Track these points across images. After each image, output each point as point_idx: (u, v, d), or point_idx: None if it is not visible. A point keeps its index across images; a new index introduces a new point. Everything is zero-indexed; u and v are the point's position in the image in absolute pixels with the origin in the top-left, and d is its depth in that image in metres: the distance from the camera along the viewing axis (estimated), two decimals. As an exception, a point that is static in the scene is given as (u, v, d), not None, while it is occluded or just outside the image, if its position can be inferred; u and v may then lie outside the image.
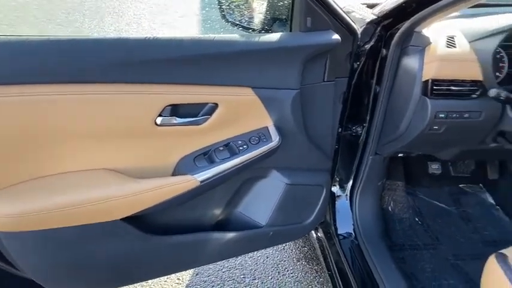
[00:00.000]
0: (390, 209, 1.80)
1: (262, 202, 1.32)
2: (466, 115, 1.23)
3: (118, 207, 1.05)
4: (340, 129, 1.44)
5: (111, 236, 1.12)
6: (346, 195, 1.60)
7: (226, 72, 1.10)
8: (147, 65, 0.99)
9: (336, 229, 1.56)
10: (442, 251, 1.63)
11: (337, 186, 1.62)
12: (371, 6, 1.43)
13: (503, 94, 1.14)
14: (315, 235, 1.68)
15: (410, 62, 1.25)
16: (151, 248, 1.19)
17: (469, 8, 1.14)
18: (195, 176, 1.09)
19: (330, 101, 1.28)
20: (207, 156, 1.13)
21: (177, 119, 1.06)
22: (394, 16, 1.24)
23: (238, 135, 1.17)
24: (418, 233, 1.72)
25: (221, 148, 1.14)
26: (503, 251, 1.14)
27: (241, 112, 1.14)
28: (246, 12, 1.29)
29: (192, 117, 1.08)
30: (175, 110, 1.06)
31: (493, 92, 1.14)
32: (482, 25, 1.28)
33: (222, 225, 1.32)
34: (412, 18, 1.19)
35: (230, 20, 1.30)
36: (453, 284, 1.47)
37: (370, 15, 1.33)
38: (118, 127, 1.01)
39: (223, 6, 1.34)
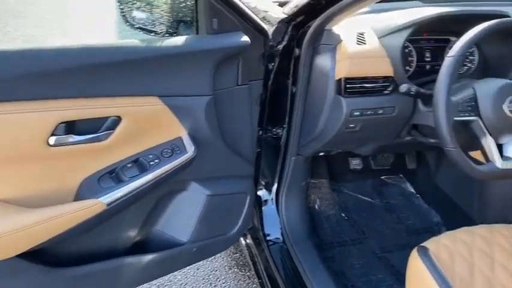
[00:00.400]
0: (317, 207, 1.79)
1: (182, 217, 1.24)
2: (380, 111, 1.23)
3: (11, 243, 0.92)
4: (260, 132, 1.40)
5: (7, 276, 0.98)
6: (272, 198, 1.56)
7: (129, 82, 1.00)
8: (33, 79, 0.86)
9: (264, 234, 1.51)
10: (369, 245, 1.65)
11: (263, 190, 1.58)
12: (282, 4, 1.39)
13: (414, 89, 1.15)
14: (244, 242, 1.63)
15: (322, 61, 1.23)
16: (57, 283, 1.06)
17: (378, 2, 1.14)
18: (100, 199, 0.98)
19: (247, 105, 1.23)
20: (113, 175, 1.03)
21: (74, 137, 0.95)
22: (304, 14, 1.21)
23: (148, 149, 1.07)
24: (345, 229, 1.73)
25: (129, 165, 1.04)
26: (425, 243, 1.15)
27: (150, 124, 1.05)
28: (149, 14, 1.20)
29: (92, 133, 0.97)
30: (72, 127, 0.94)
31: (403, 88, 1.15)
32: (390, 20, 1.29)
33: (139, 247, 1.21)
34: (322, 15, 1.16)
35: (132, 23, 1.19)
36: (381, 279, 1.49)
37: (281, 14, 1.30)
38: (3, 151, 0.88)
39: (124, 8, 1.23)
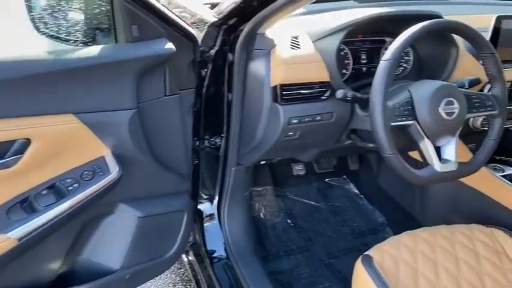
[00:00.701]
0: (262, 216, 1.74)
1: (112, 242, 1.13)
2: (319, 118, 1.19)
3: None
4: (197, 142, 1.32)
5: None
6: (214, 212, 1.48)
7: (38, 99, 0.88)
8: None
9: (206, 251, 1.43)
10: (316, 252, 1.61)
11: (205, 204, 1.50)
12: (214, 6, 1.32)
13: (350, 94, 1.11)
14: (186, 259, 1.54)
15: (256, 66, 1.17)
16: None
17: (313, 3, 1.09)
18: (9, 234, 0.86)
19: (177, 116, 1.14)
20: (25, 204, 0.91)
21: (-27, 165, 0.82)
22: (235, 17, 1.14)
23: (65, 172, 0.96)
24: (292, 236, 1.69)
25: (44, 192, 0.93)
26: (369, 252, 1.12)
27: (66, 144, 0.94)
28: (63, 21, 1.07)
29: (-4, 160, 0.85)
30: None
31: (339, 94, 1.11)
32: (324, 23, 1.24)
33: (65, 280, 1.09)
34: (253, 19, 1.10)
35: (44, 31, 1.06)
36: (329, 287, 1.45)
37: (212, 17, 1.22)
38: None
39: (34, 14, 1.10)
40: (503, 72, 1.12)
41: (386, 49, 1.08)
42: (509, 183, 1.32)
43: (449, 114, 1.05)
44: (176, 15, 1.06)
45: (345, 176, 1.98)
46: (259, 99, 1.18)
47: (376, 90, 0.99)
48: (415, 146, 1.10)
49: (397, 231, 1.75)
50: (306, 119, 1.17)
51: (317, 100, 1.18)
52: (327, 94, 1.18)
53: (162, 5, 1.01)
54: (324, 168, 1.92)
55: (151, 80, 1.04)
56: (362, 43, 1.34)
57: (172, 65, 1.06)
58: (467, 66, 1.29)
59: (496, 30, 1.30)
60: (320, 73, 1.15)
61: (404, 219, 1.71)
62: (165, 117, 1.11)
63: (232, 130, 1.30)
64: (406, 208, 1.70)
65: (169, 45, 1.00)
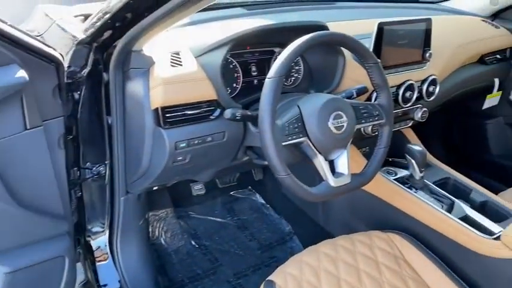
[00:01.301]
0: (163, 242, 1.62)
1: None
2: (209, 139, 1.10)
3: None
4: (78, 173, 1.16)
5: None
6: (106, 246, 1.33)
7: None
8: None
9: (100, 291, 1.28)
10: (223, 273, 1.54)
11: (96, 239, 1.34)
12: (87, 17, 1.17)
13: (239, 113, 1.04)
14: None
15: (134, 88, 1.05)
16: None
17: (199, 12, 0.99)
18: None
19: (43, 150, 0.98)
20: None
21: None
22: (104, 34, 1.01)
23: None
24: (197, 259, 1.59)
25: None
26: (271, 277, 1.07)
27: None
28: None
29: None
30: None
31: (228, 113, 1.04)
32: (208, 36, 1.16)
33: None
34: (126, 35, 0.98)
35: None
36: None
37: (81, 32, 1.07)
38: None
39: None
40: (387, 81, 1.13)
41: (276, 59, 1.04)
42: (402, 186, 1.35)
43: (338, 128, 1.03)
44: (31, 36, 0.91)
45: (250, 187, 1.93)
46: (141, 123, 1.06)
47: (263, 111, 0.93)
48: (309, 162, 1.07)
49: (304, 240, 1.76)
50: (196, 142, 1.08)
51: (206, 120, 1.09)
52: (216, 113, 1.10)
53: (10, 25, 0.85)
54: (227, 182, 1.85)
55: (5, 114, 0.88)
56: (251, 54, 1.28)
57: (31, 93, 0.91)
58: (354, 74, 1.29)
59: (379, 37, 1.31)
60: (206, 91, 1.07)
61: (309, 227, 1.70)
62: (27, 153, 0.94)
63: (116, 157, 1.17)
64: (310, 215, 1.69)
65: (21, 73, 0.84)
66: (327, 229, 1.60)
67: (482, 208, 1.30)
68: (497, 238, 1.14)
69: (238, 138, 1.17)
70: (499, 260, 1.10)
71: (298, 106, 1.04)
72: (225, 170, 1.33)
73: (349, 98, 1.22)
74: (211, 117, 1.10)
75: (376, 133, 1.22)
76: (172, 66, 1.04)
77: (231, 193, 1.89)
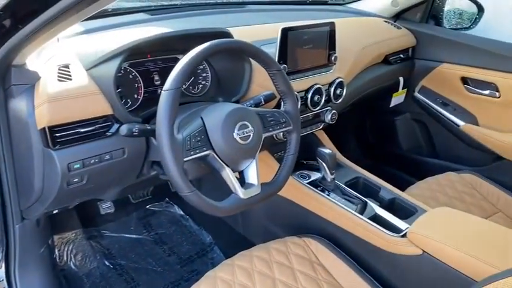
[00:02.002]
0: (73, 266, 1.50)
1: None
2: (108, 157, 1.02)
3: None
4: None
5: None
6: (3, 279, 1.20)
7: None
8: None
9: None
10: (141, 295, 1.46)
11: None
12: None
13: (136, 129, 0.97)
14: None
15: (18, 106, 0.94)
16: None
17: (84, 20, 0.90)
18: None
19: None
20: None
21: None
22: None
23: None
24: (112, 281, 1.49)
25: None
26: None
27: None
28: None
29: None
30: None
31: (124, 130, 0.96)
32: (104, 45, 1.07)
33: None
34: (2, 47, 0.87)
35: None
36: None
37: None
38: None
39: None
40: (292, 88, 1.12)
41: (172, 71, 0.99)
42: (315, 189, 1.36)
43: (244, 138, 1.00)
44: None
45: (167, 199, 1.85)
46: (28, 145, 0.96)
47: (160, 126, 0.88)
48: (217, 175, 1.03)
49: (225, 249, 1.72)
50: (92, 161, 1.00)
51: (103, 137, 1.01)
52: (114, 129, 1.02)
53: None
54: (140, 196, 1.76)
55: None
56: (153, 63, 1.21)
57: None
58: (263, 80, 1.27)
59: (284, 42, 1.30)
60: (99, 106, 0.99)
61: (230, 236, 1.66)
62: None
63: (5, 181, 1.05)
64: (230, 224, 1.66)
65: None
66: (247, 237, 1.57)
67: (391, 206, 1.35)
68: (404, 235, 1.18)
69: (141, 153, 1.10)
70: (407, 256, 1.14)
71: (202, 118, 0.99)
72: (132, 186, 1.25)
73: (258, 105, 1.20)
74: (108, 133, 1.02)
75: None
76: (60, 81, 0.95)
77: (147, 207, 1.80)
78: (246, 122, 1.01)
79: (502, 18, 2.10)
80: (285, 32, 1.30)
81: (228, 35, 1.21)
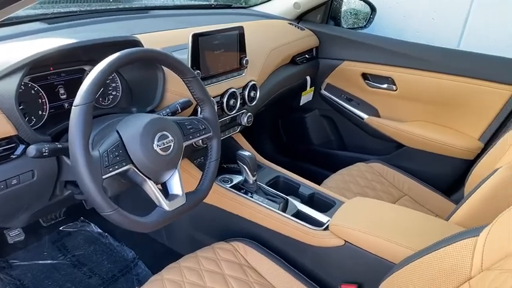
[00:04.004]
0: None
1: None
2: (15, 181, 0.93)
3: None
4: None
5: None
6: None
7: None
8: None
9: None
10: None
11: None
12: None
13: (46, 149, 0.90)
14: None
15: None
16: None
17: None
18: None
19: None
20: None
21: None
22: None
23: None
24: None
25: None
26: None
27: None
28: None
29: None
30: None
31: (32, 151, 0.88)
32: (0, 58, 0.97)
33: None
34: None
35: None
36: None
37: None
38: None
39: None
40: (208, 93, 1.12)
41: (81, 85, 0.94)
42: (238, 193, 1.37)
43: (165, 149, 0.97)
44: None
45: (82, 218, 1.74)
46: None
47: (73, 144, 0.82)
48: (138, 189, 0.99)
49: (150, 264, 1.66)
50: (-2, 188, 0.91)
51: (7, 161, 0.92)
52: (19, 150, 0.94)
53: None
54: (52, 218, 1.63)
55: None
56: (57, 76, 1.13)
57: None
58: (177, 87, 1.25)
59: (195, 48, 1.29)
60: (0, 127, 0.90)
61: (154, 249, 1.61)
62: None
63: None
64: (153, 236, 1.60)
65: None
66: (173, 248, 1.54)
67: (311, 201, 1.40)
68: (327, 228, 1.24)
69: (53, 174, 1.02)
70: (330, 248, 1.20)
71: (117, 131, 0.95)
72: (44, 209, 1.16)
73: (174, 113, 1.17)
74: (13, 156, 0.93)
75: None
76: None
77: (61, 228, 1.68)
78: (165, 132, 0.99)
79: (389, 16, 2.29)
80: (196, 37, 1.29)
81: (137, 43, 1.17)
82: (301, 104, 2.08)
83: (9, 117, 0.91)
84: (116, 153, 0.91)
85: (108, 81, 1.24)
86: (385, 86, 2.00)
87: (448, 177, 1.92)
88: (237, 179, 1.44)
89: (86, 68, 1.18)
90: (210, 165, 1.13)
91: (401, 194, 1.74)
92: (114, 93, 1.26)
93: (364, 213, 1.25)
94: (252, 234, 1.32)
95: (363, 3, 2.17)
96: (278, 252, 1.26)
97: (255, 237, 1.30)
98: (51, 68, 1.11)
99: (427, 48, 1.90)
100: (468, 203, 1.24)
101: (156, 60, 1.03)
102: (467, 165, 1.87)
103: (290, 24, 2.03)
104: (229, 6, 2.16)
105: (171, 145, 0.99)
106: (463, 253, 0.84)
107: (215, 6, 2.09)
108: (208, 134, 1.12)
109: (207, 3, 2.05)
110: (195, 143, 1.34)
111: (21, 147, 0.94)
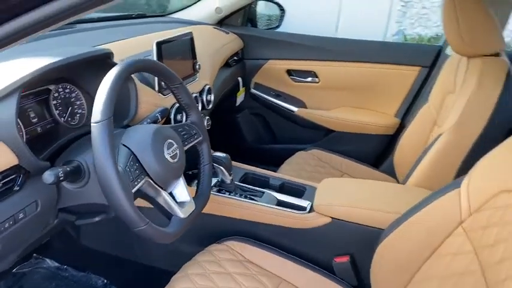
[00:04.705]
0: None
1: None
2: (22, 215, 0.84)
3: None
4: None
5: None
6: None
7: None
8: None
9: None
10: None
11: None
12: None
13: (61, 172, 0.84)
14: None
15: None
16: None
17: None
18: None
19: None
20: None
21: None
22: None
23: None
24: None
25: None
26: None
27: None
28: None
29: None
30: None
31: (50, 177, 0.81)
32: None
33: None
34: None
35: None
36: None
37: None
38: None
39: None
40: (194, 99, 1.13)
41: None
42: (218, 194, 1.39)
43: (173, 156, 0.98)
44: None
45: (35, 255, 1.57)
46: None
47: (102, 160, 0.79)
48: (151, 202, 0.98)
49: (124, 285, 1.58)
50: (7, 225, 0.82)
51: (11, 195, 0.84)
52: (20, 181, 0.86)
53: None
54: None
55: None
56: (25, 99, 1.04)
57: None
58: (150, 97, 1.23)
59: (159, 55, 1.29)
60: (3, 158, 0.81)
61: (128, 271, 1.54)
62: None
63: None
64: (125, 256, 1.53)
65: None
66: (153, 264, 1.49)
67: (283, 190, 1.49)
68: (311, 210, 1.33)
69: (53, 202, 0.94)
70: (319, 227, 1.30)
71: (125, 145, 0.92)
72: (33, 243, 1.06)
73: (155, 123, 1.16)
74: (16, 188, 0.85)
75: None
76: None
77: (14, 271, 1.50)
78: (171, 140, 0.99)
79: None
80: (159, 45, 1.28)
81: (112, 54, 1.13)
82: (237, 104, 2.15)
83: (10, 145, 0.82)
84: (134, 167, 0.89)
85: (72, 100, 1.17)
86: (309, 79, 2.18)
87: (374, 152, 2.18)
88: (213, 181, 1.46)
89: (51, 87, 1.11)
90: (204, 169, 1.15)
91: (341, 174, 1.93)
92: (80, 111, 1.19)
93: (340, 190, 1.37)
94: (241, 231, 1.35)
95: (274, 5, 2.33)
96: (271, 243, 1.32)
97: (245, 234, 1.34)
98: (24, 90, 1.01)
99: (342, 42, 2.13)
100: (420, 167, 1.45)
101: (151, 69, 1.02)
102: (389, 139, 2.14)
103: (215, 29, 2.09)
104: (144, 16, 2.12)
105: (177, 152, 0.99)
106: (450, 203, 1.01)
107: (134, 16, 2.04)
108: (199, 139, 1.14)
109: (126, 13, 1.99)
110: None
111: (21, 177, 0.86)
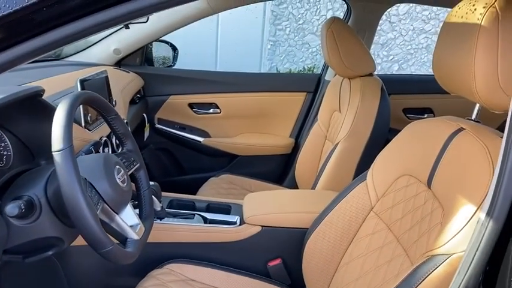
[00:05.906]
0: None
1: None
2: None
3: None
4: None
5: None
6: None
7: None
8: None
9: None
10: None
11: None
12: None
13: (22, 203, 0.83)
14: None
15: None
16: None
17: None
18: None
19: None
20: None
21: None
22: None
23: None
24: None
25: None
26: None
27: None
28: None
29: None
30: None
31: (14, 210, 0.80)
32: None
33: None
34: None
35: None
36: None
37: None
38: None
39: None
40: (128, 129, 1.19)
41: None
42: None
43: (123, 181, 1.03)
44: None
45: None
46: None
47: (70, 185, 0.82)
48: (107, 228, 1.01)
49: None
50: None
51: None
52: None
53: None
54: None
55: None
56: None
57: None
58: (78, 134, 1.24)
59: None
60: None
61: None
62: None
63: None
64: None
65: None
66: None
67: (210, 209, 1.58)
68: (242, 222, 1.45)
69: (2, 242, 0.91)
70: (252, 236, 1.42)
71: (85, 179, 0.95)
72: None
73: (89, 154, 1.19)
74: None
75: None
76: None
77: None
78: (118, 166, 1.04)
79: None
80: (82, 82, 1.32)
81: (43, 91, 1.14)
82: (145, 139, 2.19)
83: None
84: (92, 194, 0.93)
85: None
86: (211, 110, 2.34)
87: (277, 170, 2.40)
88: (143, 210, 1.49)
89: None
90: (144, 194, 1.20)
91: (252, 193, 2.09)
92: (5, 153, 1.16)
93: (264, 202, 1.52)
94: (179, 254, 1.41)
95: (167, 46, 2.46)
96: (209, 259, 1.40)
97: (183, 256, 1.39)
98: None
99: (238, 75, 2.35)
100: (324, 174, 1.68)
101: (92, 101, 1.05)
102: (287, 157, 2.39)
103: (116, 69, 2.13)
104: (41, 60, 2.07)
105: (125, 177, 1.04)
106: (360, 194, 1.23)
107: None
108: (137, 165, 1.19)
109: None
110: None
111: (-29, 217, 0.84)
